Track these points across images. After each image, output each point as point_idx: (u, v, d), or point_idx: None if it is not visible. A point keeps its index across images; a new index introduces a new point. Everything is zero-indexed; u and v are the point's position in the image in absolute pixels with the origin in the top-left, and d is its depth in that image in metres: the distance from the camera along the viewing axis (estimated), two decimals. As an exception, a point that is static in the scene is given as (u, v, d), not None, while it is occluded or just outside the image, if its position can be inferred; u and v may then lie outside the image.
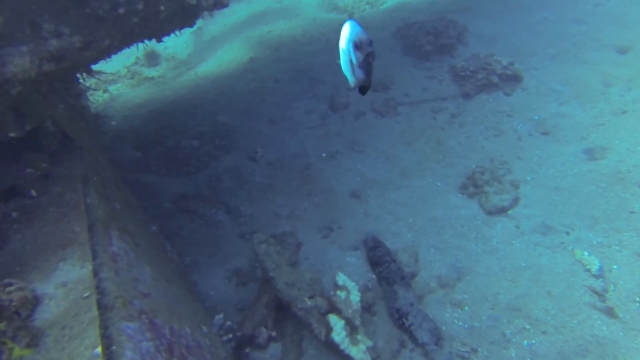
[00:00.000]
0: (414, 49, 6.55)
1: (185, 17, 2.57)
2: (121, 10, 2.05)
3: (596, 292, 3.44)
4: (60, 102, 2.84)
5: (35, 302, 1.79)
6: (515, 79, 5.81)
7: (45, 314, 1.79)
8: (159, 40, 2.92)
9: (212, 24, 9.23)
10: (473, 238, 3.97)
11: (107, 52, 2.56)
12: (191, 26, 2.90)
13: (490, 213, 4.15)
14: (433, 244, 3.96)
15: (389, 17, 7.66)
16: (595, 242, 3.83)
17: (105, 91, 7.31)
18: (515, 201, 4.23)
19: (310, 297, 3.00)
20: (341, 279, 3.12)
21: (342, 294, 3.02)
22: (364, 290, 3.48)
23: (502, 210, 4.15)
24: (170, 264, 3.19)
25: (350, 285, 3.13)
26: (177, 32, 2.96)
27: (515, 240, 3.92)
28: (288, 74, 6.51)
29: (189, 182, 4.95)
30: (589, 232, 3.92)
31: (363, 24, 7.74)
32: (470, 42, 6.69)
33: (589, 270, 3.60)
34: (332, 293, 3.09)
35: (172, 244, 4.10)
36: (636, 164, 4.39)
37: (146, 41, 2.89)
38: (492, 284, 3.61)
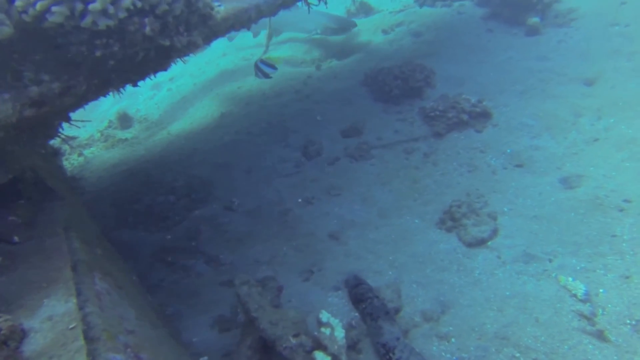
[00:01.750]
0: (383, 94, 7.34)
1: (159, 59, 3.06)
2: (98, 53, 2.55)
3: (585, 317, 3.80)
4: (39, 157, 3.28)
5: (22, 335, 2.09)
6: (485, 115, 6.56)
7: (33, 345, 2.08)
8: (134, 85, 3.44)
9: (182, 85, 10.07)
10: (455, 271, 4.37)
11: (84, 99, 3.02)
12: (165, 69, 3.41)
13: (470, 245, 4.59)
14: (415, 279, 4.33)
15: (357, 66, 8.59)
16: (579, 268, 4.26)
17: (80, 155, 7.83)
18: (495, 232, 4.70)
19: (295, 336, 3.28)
20: (325, 316, 3.42)
21: (326, 331, 3.31)
22: (348, 328, 3.77)
23: (481, 242, 4.60)
24: (152, 311, 3.46)
25: (334, 322, 3.43)
26: (152, 76, 3.48)
27: (498, 270, 4.33)
28: (260, 126, 7.15)
29: (167, 235, 5.30)
30: (572, 258, 4.36)
31: (332, 75, 8.64)
32: (438, 85, 7.55)
33: (575, 295, 3.99)
34: (316, 331, 3.38)
35: (153, 295, 4.38)
36: (614, 189, 4.96)
37: (121, 88, 3.40)
38: (478, 314, 3.95)
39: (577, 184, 5.19)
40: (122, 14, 2.41)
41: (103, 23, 2.42)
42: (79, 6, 2.37)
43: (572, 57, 7.53)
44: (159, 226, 5.34)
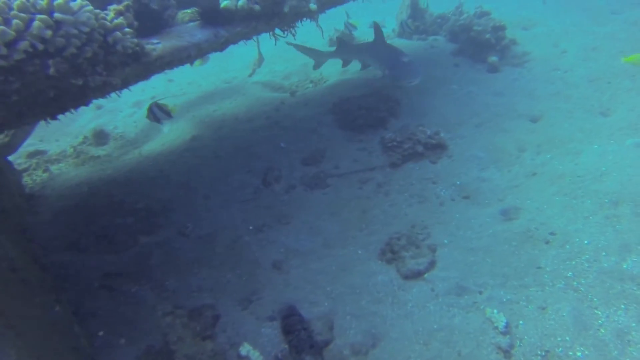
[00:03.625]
0: (347, 123, 7.36)
1: (76, 97, 3.06)
2: None
3: (501, 349, 3.76)
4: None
5: None
6: (441, 147, 6.57)
7: None
8: (53, 118, 3.44)
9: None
10: (389, 303, 4.31)
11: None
12: (86, 104, 3.42)
13: (406, 277, 4.54)
14: (350, 311, 4.26)
15: (328, 94, 8.62)
16: (505, 300, 4.22)
17: (45, 171, 7.73)
18: (432, 264, 4.66)
19: (211, 370, 3.21)
20: (245, 349, 3.37)
21: (242, 365, 3.25)
22: (274, 361, 3.69)
23: (418, 274, 4.55)
24: (66, 345, 3.36)
25: (254, 355, 3.37)
26: (72, 110, 3.47)
27: (430, 303, 4.27)
28: (227, 151, 7.13)
29: (117, 259, 5.22)
30: (500, 290, 4.33)
31: (304, 102, 8.68)
32: (402, 115, 7.59)
33: (496, 327, 3.95)
34: (235, 365, 3.31)
35: (86, 324, 4.27)
36: (543, 222, 4.97)
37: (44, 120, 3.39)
38: (405, 348, 3.89)
39: (515, 216, 5.19)
40: (18, 56, 2.40)
41: (-4, 63, 2.42)
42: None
43: (523, 95, 7.73)
44: (110, 249, 5.26)
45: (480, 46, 9.21)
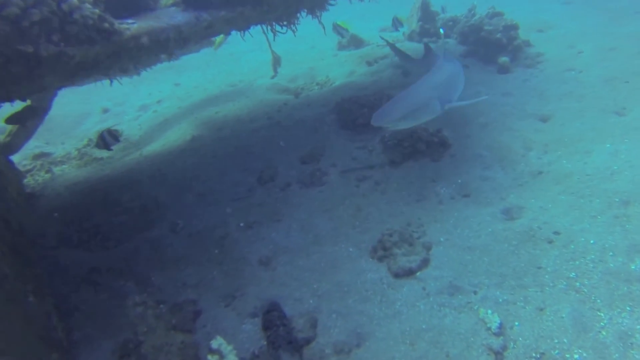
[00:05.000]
0: (349, 122, 7.26)
1: (29, 69, 2.97)
2: None
3: (492, 351, 3.54)
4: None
5: None
6: (444, 145, 6.39)
7: None
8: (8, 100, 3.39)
9: (167, 107, 10.22)
10: (377, 302, 4.14)
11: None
12: (44, 88, 3.37)
13: (396, 276, 4.37)
14: (336, 309, 4.12)
15: (332, 95, 8.57)
16: (501, 300, 4.00)
17: (47, 172, 7.89)
18: (425, 263, 4.47)
19: (179, 363, 3.11)
20: (217, 342, 3.26)
21: (213, 359, 3.14)
22: (251, 357, 3.58)
23: (409, 273, 4.38)
24: (37, 338, 3.32)
25: (227, 349, 3.25)
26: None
27: (420, 302, 4.09)
28: (226, 150, 7.13)
29: (107, 255, 5.22)
30: (496, 290, 4.11)
31: (307, 102, 8.66)
32: (405, 115, 7.44)
33: (489, 328, 3.74)
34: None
35: (68, 318, 4.25)
36: (547, 221, 4.73)
37: None
38: (390, 348, 3.71)
39: (517, 215, 4.97)
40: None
41: None
42: None
43: (533, 95, 7.53)
44: (101, 246, 5.27)
45: (491, 47, 9.04)
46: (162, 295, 4.47)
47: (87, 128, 9.95)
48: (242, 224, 5.32)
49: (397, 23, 9.28)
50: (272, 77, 10.43)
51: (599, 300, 3.77)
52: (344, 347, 3.73)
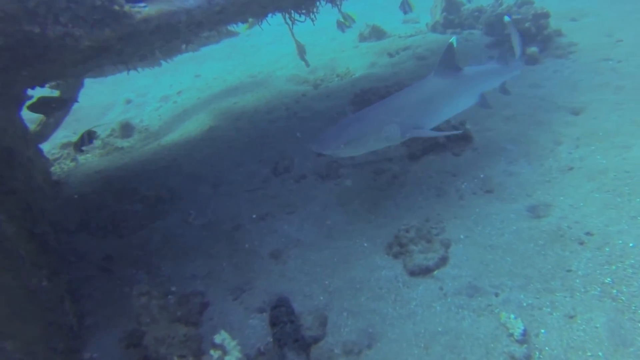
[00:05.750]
0: (367, 114, 6.98)
1: (37, 50, 2.89)
2: None
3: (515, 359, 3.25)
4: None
5: None
6: (465, 139, 6.05)
7: None
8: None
9: (187, 99, 10.15)
10: (391, 301, 3.90)
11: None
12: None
13: (412, 274, 4.11)
14: (347, 307, 3.89)
15: (351, 87, 8.31)
16: (525, 304, 3.69)
17: (72, 160, 7.94)
18: (443, 261, 4.19)
19: (181, 357, 2.96)
20: (220, 337, 3.09)
21: (215, 354, 2.98)
22: (256, 354, 3.40)
23: (426, 271, 4.11)
24: (46, 321, 3.26)
25: (230, 345, 3.08)
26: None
27: (437, 302, 3.82)
28: (242, 141, 6.97)
29: (120, 243, 5.15)
30: (520, 293, 3.80)
31: (326, 94, 8.41)
32: (426, 107, 7.11)
33: (512, 334, 3.44)
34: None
35: (80, 303, 4.19)
36: (578, 220, 4.37)
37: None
38: (402, 351, 3.47)
39: (544, 213, 4.60)
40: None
41: None
42: None
43: (564, 87, 7.05)
44: (115, 233, 5.21)
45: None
46: (171, 286, 4.36)
47: (111, 118, 10.00)
48: (254, 216, 5.15)
49: (406, 6, 8.43)
50: (307, 66, 10.02)
51: None
52: (354, 347, 3.51)
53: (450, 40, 4.62)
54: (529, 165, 5.42)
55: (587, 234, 4.13)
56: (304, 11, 6.15)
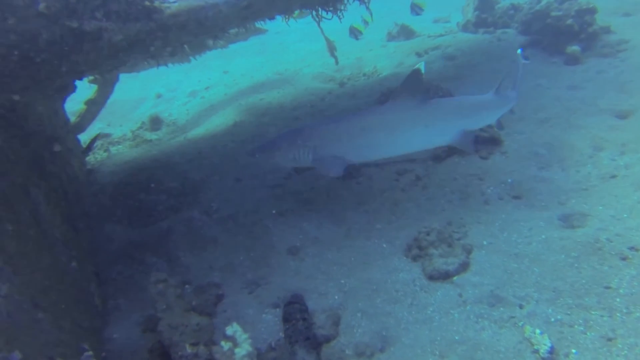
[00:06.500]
0: (394, 113, 6.81)
1: (71, 45, 2.96)
2: None
3: (538, 377, 3.05)
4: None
5: None
6: (494, 142, 5.80)
7: None
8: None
9: (214, 94, 10.24)
10: (407, 305, 3.75)
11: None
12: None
13: (431, 278, 3.95)
14: (362, 308, 3.77)
15: (378, 86, 8.14)
16: (553, 319, 3.46)
17: (105, 151, 8.16)
18: (464, 266, 4.01)
19: (193, 345, 2.94)
20: (232, 329, 3.04)
21: (225, 345, 2.93)
22: (267, 349, 3.32)
23: (445, 276, 3.93)
24: (72, 300, 3.33)
25: (241, 337, 3.02)
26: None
27: (455, 310, 3.64)
28: (266, 137, 6.93)
29: (144, 232, 5.21)
30: (547, 306, 3.56)
31: (352, 92, 8.28)
32: (454, 107, 6.88)
33: (537, 351, 3.23)
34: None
35: (104, 286, 4.27)
36: (620, 233, 4.05)
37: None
38: (416, 357, 3.32)
39: (580, 224, 4.33)
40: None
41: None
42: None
43: (609, 89, 6.57)
44: (140, 222, 5.28)
45: (559, 35, 8.07)
46: (189, 276, 4.37)
47: (141, 112, 10.21)
48: (274, 211, 5.10)
49: (416, 8, 8.01)
50: (336, 64, 9.90)
51: (691, 338, 3.13)
52: (366, 349, 3.39)
53: (417, 66, 4.00)
54: (563, 171, 5.14)
55: (632, 248, 3.83)
56: (331, 8, 6.04)
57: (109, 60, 3.71)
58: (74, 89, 5.28)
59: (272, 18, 5.40)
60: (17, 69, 2.91)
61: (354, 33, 8.21)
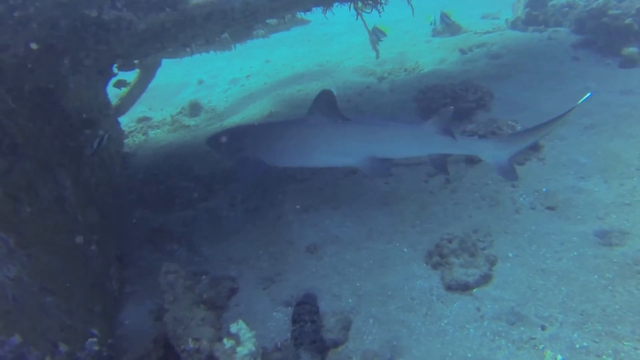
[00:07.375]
0: (429, 112, 6.50)
1: (99, 34, 2.98)
2: (16, 14, 2.50)
3: (553, 407, 2.80)
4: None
5: None
6: (532, 147, 5.39)
7: None
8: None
9: (255, 83, 10.24)
10: (422, 314, 3.57)
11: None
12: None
13: (449, 288, 3.73)
14: (374, 314, 3.63)
15: (417, 82, 7.80)
16: (578, 346, 3.15)
17: (144, 134, 8.37)
18: (485, 279, 3.75)
19: (195, 339, 2.93)
20: (236, 327, 2.99)
21: (227, 343, 2.89)
22: (273, 349, 3.28)
23: (464, 287, 3.70)
24: (86, 283, 3.40)
25: (245, 336, 2.98)
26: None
27: (471, 324, 3.42)
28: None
29: (169, 218, 5.30)
30: (573, 331, 3.26)
31: (390, 88, 7.98)
32: (493, 108, 6.49)
33: (555, 378, 2.98)
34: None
35: (125, 270, 4.37)
36: (663, 256, 3.66)
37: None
38: (426, 371, 3.15)
39: (618, 242, 3.93)
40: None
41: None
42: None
43: (670, 95, 5.91)
44: (166, 208, 5.36)
45: (616, 35, 7.37)
46: (207, 266, 4.39)
47: (183, 97, 10.40)
48: (298, 207, 5.01)
49: (445, 18, 8.31)
50: (376, 58, 9.65)
51: None
52: (375, 358, 3.26)
53: (328, 88, 4.17)
54: (604, 183, 4.69)
55: (674, 274, 3.44)
56: (370, 2, 5.78)
57: (137, 48, 3.71)
58: (112, 73, 5.38)
59: (307, 9, 5.23)
60: (40, 57, 2.94)
61: (376, 34, 7.90)
